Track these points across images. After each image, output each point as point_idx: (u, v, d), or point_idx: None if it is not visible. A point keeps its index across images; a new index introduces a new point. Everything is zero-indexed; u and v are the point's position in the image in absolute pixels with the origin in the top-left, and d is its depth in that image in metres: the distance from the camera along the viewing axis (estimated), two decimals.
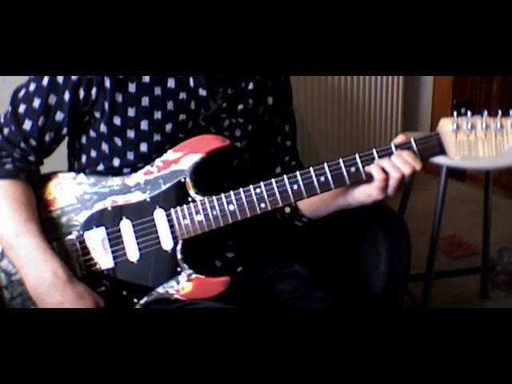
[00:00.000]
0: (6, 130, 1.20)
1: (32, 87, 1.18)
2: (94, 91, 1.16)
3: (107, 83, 1.15)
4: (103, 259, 1.20)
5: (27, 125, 1.18)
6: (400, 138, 1.15)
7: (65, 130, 1.21)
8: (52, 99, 1.17)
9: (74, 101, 1.17)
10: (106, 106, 1.17)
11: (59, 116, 1.19)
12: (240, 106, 1.26)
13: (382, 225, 1.46)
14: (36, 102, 1.17)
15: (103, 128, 1.19)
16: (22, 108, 1.19)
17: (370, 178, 1.15)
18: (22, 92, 1.19)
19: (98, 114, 1.19)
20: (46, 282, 1.12)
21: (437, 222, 1.99)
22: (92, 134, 1.22)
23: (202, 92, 1.21)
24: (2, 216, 1.15)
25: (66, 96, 1.17)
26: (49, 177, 1.24)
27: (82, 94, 1.17)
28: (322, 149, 2.63)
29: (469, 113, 1.12)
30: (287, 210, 1.34)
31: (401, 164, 1.12)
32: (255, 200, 1.16)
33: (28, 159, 1.22)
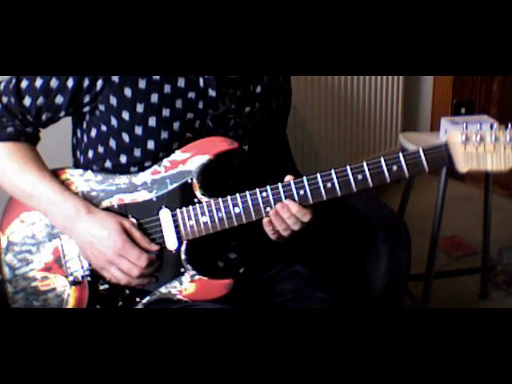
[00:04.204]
0: (4, 99, 1.20)
1: None
2: (99, 83, 1.16)
3: (115, 77, 1.16)
4: None
5: (27, 101, 1.18)
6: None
7: (62, 113, 1.21)
8: (54, 83, 1.17)
9: (77, 88, 1.17)
10: (114, 100, 1.17)
11: (59, 99, 1.18)
12: (247, 109, 1.27)
13: (382, 225, 1.47)
14: (38, 82, 1.17)
15: (114, 121, 1.19)
16: (24, 83, 1.18)
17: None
18: None
19: (102, 107, 1.18)
20: (70, 219, 1.17)
21: (437, 222, 1.99)
22: (103, 127, 1.21)
23: (212, 93, 1.21)
24: (13, 172, 1.19)
25: (70, 83, 1.17)
26: (56, 172, 1.23)
27: (86, 82, 1.16)
28: (322, 149, 2.62)
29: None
30: None
31: (286, 216, 1.16)
32: (261, 204, 1.16)
33: (26, 129, 1.22)
